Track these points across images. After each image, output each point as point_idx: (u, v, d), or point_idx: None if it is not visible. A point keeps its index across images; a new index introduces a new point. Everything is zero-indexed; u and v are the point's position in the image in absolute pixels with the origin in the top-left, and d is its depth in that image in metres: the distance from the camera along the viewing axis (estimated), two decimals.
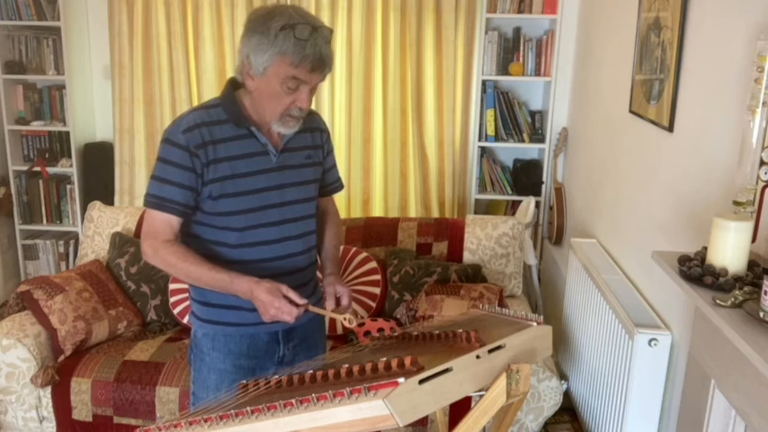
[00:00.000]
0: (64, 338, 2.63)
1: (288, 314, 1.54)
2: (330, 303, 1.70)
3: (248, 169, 1.65)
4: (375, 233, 3.13)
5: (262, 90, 1.60)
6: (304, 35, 1.51)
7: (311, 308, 1.62)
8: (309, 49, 1.52)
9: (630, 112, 2.62)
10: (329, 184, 1.90)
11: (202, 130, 1.62)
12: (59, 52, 3.91)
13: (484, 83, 3.86)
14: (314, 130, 1.80)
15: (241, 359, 1.75)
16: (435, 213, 4.03)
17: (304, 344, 1.82)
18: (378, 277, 2.98)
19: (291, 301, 1.55)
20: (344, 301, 1.72)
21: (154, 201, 1.63)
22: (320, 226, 1.90)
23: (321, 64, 1.55)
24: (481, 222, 3.12)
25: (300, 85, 1.57)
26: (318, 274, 1.88)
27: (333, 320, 2.63)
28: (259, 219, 1.68)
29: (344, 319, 1.63)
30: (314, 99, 1.70)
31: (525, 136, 3.92)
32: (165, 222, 1.63)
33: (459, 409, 2.30)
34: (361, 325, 2.82)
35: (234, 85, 1.69)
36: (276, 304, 1.53)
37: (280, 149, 1.70)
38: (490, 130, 3.91)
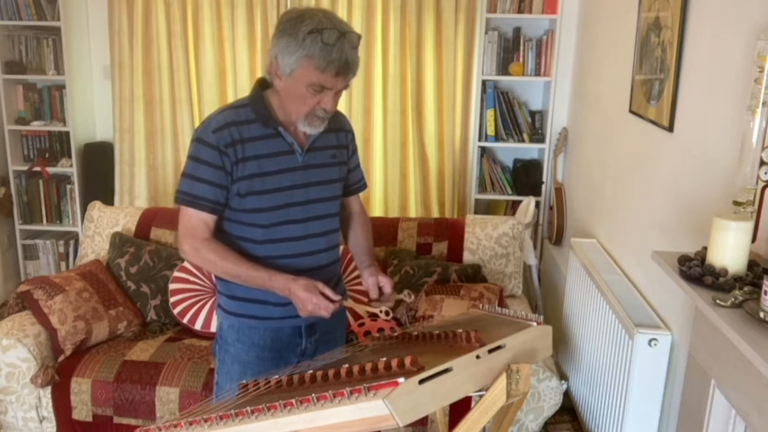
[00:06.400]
0: (64, 338, 2.63)
1: (324, 310, 1.61)
2: (374, 294, 1.76)
3: (275, 168, 1.70)
4: (375, 233, 3.06)
5: (289, 90, 1.64)
6: (331, 40, 1.54)
7: (345, 303, 1.69)
8: (336, 54, 1.55)
9: (630, 112, 2.62)
10: (354, 183, 1.96)
11: (231, 129, 1.67)
12: (59, 52, 3.91)
13: (484, 83, 3.86)
14: (339, 131, 1.85)
15: (264, 351, 1.80)
16: (435, 213, 4.03)
17: (325, 338, 1.88)
18: None
19: (327, 297, 1.62)
20: (387, 290, 1.76)
21: (185, 198, 1.69)
22: (349, 224, 1.97)
23: (346, 69, 1.59)
24: (481, 222, 3.12)
25: (325, 88, 1.61)
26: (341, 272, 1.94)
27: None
28: (284, 216, 1.73)
29: (380, 311, 1.72)
30: None
31: (525, 136, 3.92)
32: (201, 220, 1.69)
33: (459, 409, 2.30)
34: (361, 325, 2.82)
35: (262, 85, 1.74)
36: (314, 300, 1.60)
37: (305, 149, 1.74)
38: (490, 130, 3.91)
